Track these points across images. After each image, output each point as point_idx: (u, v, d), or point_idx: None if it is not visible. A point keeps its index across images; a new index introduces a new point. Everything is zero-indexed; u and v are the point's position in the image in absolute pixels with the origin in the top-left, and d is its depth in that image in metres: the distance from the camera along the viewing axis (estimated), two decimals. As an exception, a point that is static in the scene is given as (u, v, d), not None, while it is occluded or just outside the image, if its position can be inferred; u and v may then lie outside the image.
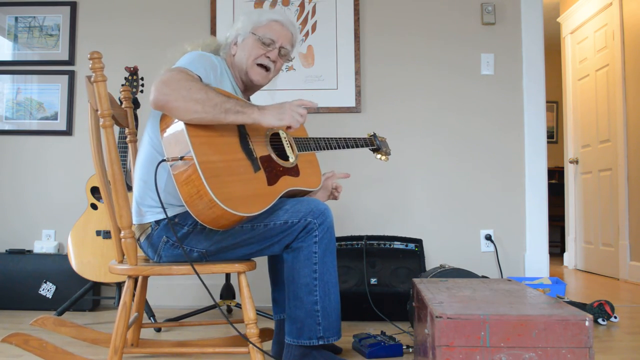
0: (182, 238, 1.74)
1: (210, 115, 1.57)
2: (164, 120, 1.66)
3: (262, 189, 1.71)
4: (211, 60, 1.79)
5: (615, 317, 2.60)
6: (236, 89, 1.92)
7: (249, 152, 1.72)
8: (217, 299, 3.00)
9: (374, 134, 2.28)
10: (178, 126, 1.60)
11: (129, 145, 2.15)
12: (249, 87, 1.98)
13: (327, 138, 2.03)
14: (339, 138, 2.07)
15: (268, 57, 1.90)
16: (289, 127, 1.71)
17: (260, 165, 1.73)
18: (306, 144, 1.94)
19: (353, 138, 2.13)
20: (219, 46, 1.94)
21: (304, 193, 1.93)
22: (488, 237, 3.24)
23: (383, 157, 2.26)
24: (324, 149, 2.01)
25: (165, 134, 1.64)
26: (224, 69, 1.86)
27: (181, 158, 1.57)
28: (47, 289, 3.04)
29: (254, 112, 1.62)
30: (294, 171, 1.87)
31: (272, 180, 1.75)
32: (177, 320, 2.73)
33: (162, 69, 1.80)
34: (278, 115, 1.65)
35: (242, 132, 1.74)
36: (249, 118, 1.62)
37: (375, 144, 2.23)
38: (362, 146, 2.18)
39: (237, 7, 3.32)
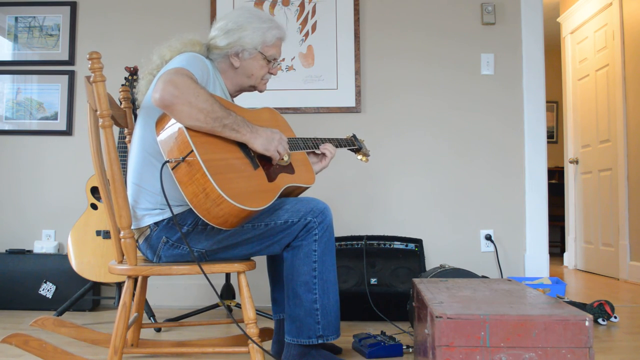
0: (181, 238, 1.74)
1: (209, 126, 1.61)
2: (161, 123, 1.67)
3: (264, 185, 1.72)
4: (205, 64, 1.80)
5: (615, 317, 2.60)
6: (226, 93, 1.94)
7: (246, 151, 1.74)
8: (217, 299, 3.00)
9: (354, 135, 2.30)
10: (177, 127, 1.61)
11: (129, 145, 2.15)
12: (242, 90, 2.01)
13: (314, 138, 2.08)
14: (324, 138, 2.12)
15: (271, 73, 1.99)
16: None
17: (258, 163, 1.75)
18: (296, 144, 1.98)
19: (336, 138, 2.18)
20: (203, 46, 1.91)
21: (300, 190, 1.96)
22: (488, 237, 3.24)
23: (363, 158, 2.29)
24: (312, 149, 2.05)
25: (163, 136, 1.64)
26: (214, 74, 1.87)
27: (184, 158, 1.57)
28: (47, 289, 3.04)
29: (247, 133, 1.70)
30: (289, 169, 1.90)
31: (271, 177, 1.78)
32: (177, 320, 2.73)
33: (153, 59, 1.82)
34: (265, 144, 1.73)
35: None
36: (242, 137, 1.69)
37: (356, 145, 2.26)
38: (344, 146, 2.21)
39: (237, 5, 3.31)
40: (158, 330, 2.56)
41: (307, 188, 1.97)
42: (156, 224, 1.75)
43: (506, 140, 3.30)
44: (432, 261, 3.15)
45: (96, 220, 2.77)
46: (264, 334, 2.19)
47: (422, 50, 3.34)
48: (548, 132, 4.32)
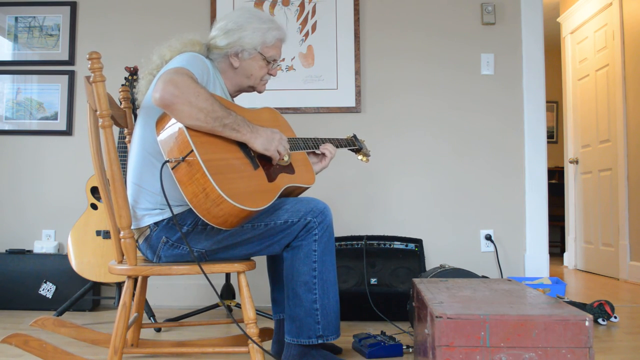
0: (181, 238, 1.74)
1: (209, 126, 1.61)
2: (161, 122, 1.67)
3: (264, 185, 1.72)
4: (205, 63, 1.80)
5: (615, 317, 2.60)
6: (226, 92, 1.94)
7: (247, 151, 1.74)
8: (217, 299, 3.00)
9: (354, 135, 2.30)
10: (177, 127, 1.61)
11: (128, 145, 2.15)
12: (241, 91, 2.01)
13: (314, 138, 2.08)
14: (324, 138, 2.12)
15: (270, 74, 1.99)
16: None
17: (258, 163, 1.75)
18: (296, 144, 1.98)
19: (336, 138, 2.18)
20: (203, 46, 1.91)
21: (300, 190, 1.96)
22: (488, 237, 3.24)
23: (364, 159, 2.29)
24: (312, 149, 2.05)
25: (163, 136, 1.64)
26: (214, 73, 1.87)
27: (184, 158, 1.57)
28: (47, 289, 3.04)
29: (247, 133, 1.69)
30: (289, 169, 1.90)
31: (271, 177, 1.78)
32: (177, 320, 2.73)
33: (152, 61, 1.83)
34: (266, 144, 1.73)
35: None
36: (242, 137, 1.69)
37: (356, 145, 2.26)
38: (344, 146, 2.20)
39: (237, 6, 3.31)
40: (158, 330, 2.56)
41: (307, 188, 1.97)
42: (156, 224, 1.75)
43: (506, 140, 3.30)
44: (432, 261, 3.15)
45: (96, 220, 2.77)
46: (264, 334, 2.19)
47: (422, 50, 3.34)
48: (548, 132, 4.32)
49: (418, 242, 2.94)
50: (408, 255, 2.89)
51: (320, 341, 1.79)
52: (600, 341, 2.28)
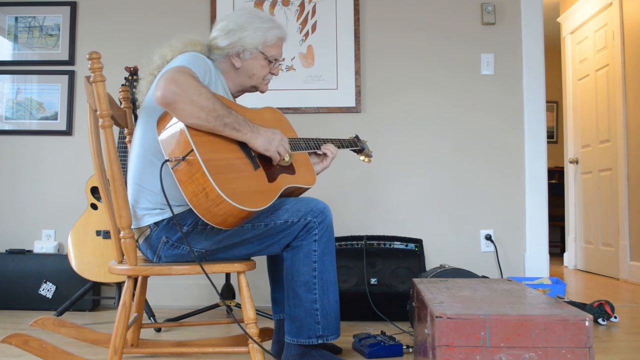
0: (181, 238, 1.74)
1: (210, 125, 1.61)
2: (162, 122, 1.67)
3: (264, 186, 1.72)
4: (206, 63, 1.80)
5: (615, 317, 2.60)
6: (228, 92, 1.94)
7: (247, 151, 1.73)
8: (217, 299, 3.00)
9: (356, 135, 2.30)
10: (178, 126, 1.61)
11: (129, 145, 2.15)
12: (244, 91, 2.02)
13: (315, 138, 2.08)
14: (326, 139, 2.11)
15: (272, 73, 1.99)
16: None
17: (259, 163, 1.75)
18: (297, 144, 1.98)
19: (338, 139, 2.18)
20: (204, 46, 1.91)
21: (300, 190, 1.95)
22: (488, 237, 3.24)
23: (366, 159, 2.28)
24: (313, 149, 2.05)
25: (164, 135, 1.64)
26: (216, 73, 1.87)
27: (184, 157, 1.57)
28: (47, 289, 3.04)
29: (248, 132, 1.69)
30: (290, 169, 1.90)
31: (271, 177, 1.78)
32: (177, 320, 2.73)
33: (153, 62, 1.83)
34: (266, 145, 1.73)
35: None
36: (243, 137, 1.69)
37: (358, 146, 2.25)
38: (346, 147, 2.20)
39: (237, 6, 3.32)
40: (158, 330, 2.56)
41: (307, 189, 1.97)
42: (156, 223, 1.75)
43: (506, 140, 3.30)
44: (432, 261, 3.15)
45: (96, 220, 2.77)
46: (264, 334, 2.19)
47: (422, 50, 3.34)
48: (548, 132, 4.32)
49: (418, 242, 2.94)
50: (408, 255, 2.89)
51: (320, 341, 1.79)
52: (600, 341, 2.28)
